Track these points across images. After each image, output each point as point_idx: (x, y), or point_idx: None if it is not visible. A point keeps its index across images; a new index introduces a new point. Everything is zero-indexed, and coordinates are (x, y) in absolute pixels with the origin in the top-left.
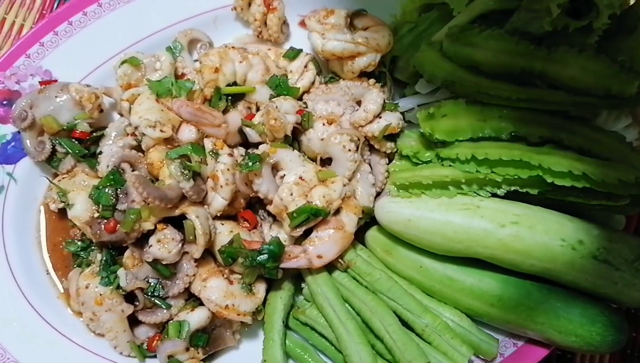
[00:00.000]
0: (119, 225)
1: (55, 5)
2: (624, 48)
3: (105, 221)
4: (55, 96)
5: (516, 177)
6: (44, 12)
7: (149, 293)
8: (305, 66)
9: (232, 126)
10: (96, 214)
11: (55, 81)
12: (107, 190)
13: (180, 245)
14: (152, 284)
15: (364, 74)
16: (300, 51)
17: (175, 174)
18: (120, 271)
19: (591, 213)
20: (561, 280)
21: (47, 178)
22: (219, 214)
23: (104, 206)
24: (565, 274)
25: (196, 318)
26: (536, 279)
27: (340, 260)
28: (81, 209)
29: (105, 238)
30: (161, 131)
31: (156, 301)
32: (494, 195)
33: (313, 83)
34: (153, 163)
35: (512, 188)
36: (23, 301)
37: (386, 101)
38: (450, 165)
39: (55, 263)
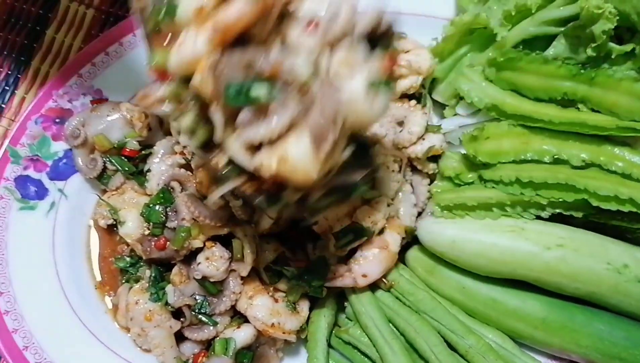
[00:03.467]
0: (168, 242)
1: (103, 25)
2: None
3: (156, 238)
4: (107, 115)
5: (561, 200)
6: (92, 32)
7: (196, 310)
8: None
9: None
10: (147, 232)
11: (106, 99)
12: (157, 208)
13: (228, 262)
14: (199, 301)
15: (403, 95)
16: None
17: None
18: (169, 288)
19: (634, 236)
20: (605, 303)
21: (98, 195)
22: (264, 233)
23: (154, 223)
24: (609, 297)
25: (242, 335)
26: (580, 301)
27: (383, 280)
28: (132, 227)
29: (155, 255)
30: None
31: (203, 318)
32: (538, 217)
33: None
34: (202, 181)
35: (557, 211)
36: (73, 316)
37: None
38: (493, 187)
39: (103, 278)
